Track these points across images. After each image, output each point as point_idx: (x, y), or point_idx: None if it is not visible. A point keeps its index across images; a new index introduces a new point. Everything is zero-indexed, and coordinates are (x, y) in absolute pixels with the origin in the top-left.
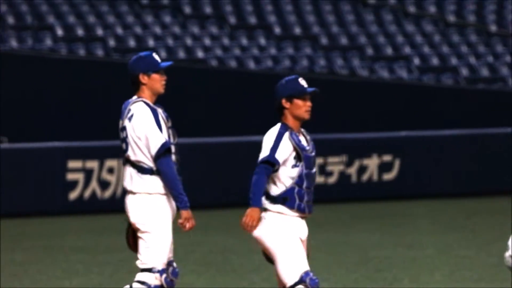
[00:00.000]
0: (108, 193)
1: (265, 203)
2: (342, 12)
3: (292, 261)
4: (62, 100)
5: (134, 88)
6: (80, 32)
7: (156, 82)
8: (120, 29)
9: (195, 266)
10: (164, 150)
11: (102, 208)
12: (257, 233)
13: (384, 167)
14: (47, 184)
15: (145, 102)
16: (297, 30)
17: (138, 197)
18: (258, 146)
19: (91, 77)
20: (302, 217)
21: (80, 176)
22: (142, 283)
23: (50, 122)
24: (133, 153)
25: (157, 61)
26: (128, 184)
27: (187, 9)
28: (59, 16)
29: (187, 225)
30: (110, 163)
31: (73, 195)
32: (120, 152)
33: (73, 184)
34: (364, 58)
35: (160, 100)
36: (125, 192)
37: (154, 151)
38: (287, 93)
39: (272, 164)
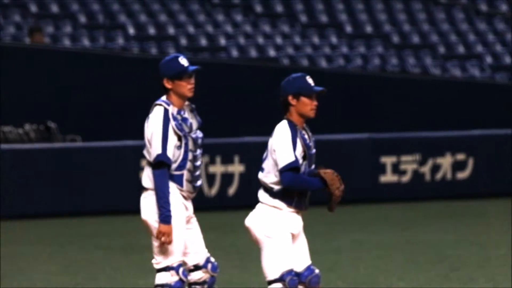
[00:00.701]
0: None
1: (263, 196)
2: (414, 10)
3: (276, 257)
4: (134, 98)
5: (162, 90)
6: (151, 31)
7: (181, 87)
8: (192, 28)
9: None
10: (156, 162)
11: None
12: (249, 223)
13: (458, 166)
14: (120, 182)
15: (164, 108)
16: (369, 29)
17: (149, 193)
18: (329, 144)
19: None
20: (297, 212)
21: None
22: (162, 286)
23: (122, 121)
24: (147, 153)
25: (181, 65)
26: (143, 180)
27: (259, 8)
28: (131, 15)
29: (162, 239)
30: None
31: None
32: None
33: None
34: (436, 57)
35: (234, 99)
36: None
37: (151, 160)
38: (294, 90)
39: (298, 170)
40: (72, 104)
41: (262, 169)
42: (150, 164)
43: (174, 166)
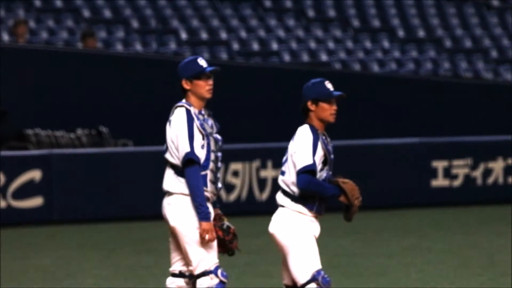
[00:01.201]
0: (233, 196)
1: (284, 200)
2: (466, 14)
3: (305, 259)
4: None
5: (182, 93)
6: (204, 35)
7: (200, 87)
8: (244, 33)
9: None
10: (186, 160)
11: (228, 211)
12: (273, 229)
13: (510, 170)
14: None
15: (186, 108)
16: (421, 33)
17: (174, 198)
18: (380, 148)
19: (215, 81)
20: (316, 217)
21: None
22: None
23: None
24: (171, 156)
25: (200, 66)
26: (165, 185)
27: (311, 13)
28: (183, 20)
29: (207, 237)
30: (235, 166)
31: None
32: (245, 155)
33: None
34: (488, 61)
35: (285, 104)
36: (164, 194)
37: (180, 159)
38: (313, 95)
39: (314, 173)
40: (124, 108)
41: (282, 173)
42: (173, 167)
43: None
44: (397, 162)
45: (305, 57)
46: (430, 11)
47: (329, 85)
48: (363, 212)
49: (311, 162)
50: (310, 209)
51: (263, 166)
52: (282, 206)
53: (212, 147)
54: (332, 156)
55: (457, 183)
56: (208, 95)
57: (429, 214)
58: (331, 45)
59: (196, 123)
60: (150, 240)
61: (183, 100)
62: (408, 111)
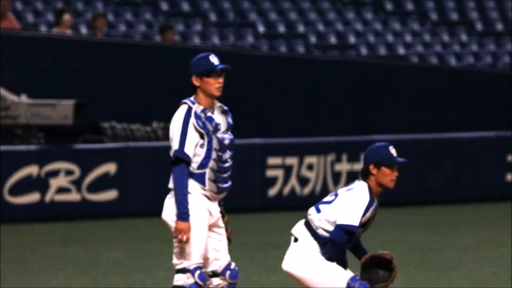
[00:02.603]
0: (307, 190)
1: (304, 234)
2: None
3: (330, 278)
4: (262, 96)
5: (192, 89)
6: (281, 29)
7: (209, 85)
8: (322, 26)
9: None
10: (174, 158)
11: (301, 204)
12: (287, 267)
13: None
14: (247, 180)
15: (188, 106)
16: (499, 27)
17: (171, 194)
18: (456, 142)
19: (292, 74)
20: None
21: (279, 173)
22: (178, 287)
23: (250, 118)
24: (171, 152)
25: (211, 63)
26: (170, 182)
27: (389, 6)
28: (261, 13)
29: (179, 237)
30: (310, 159)
31: (273, 191)
32: (320, 149)
33: (273, 180)
34: None
35: (362, 97)
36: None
37: (171, 155)
38: (376, 159)
39: (353, 235)
40: None
41: (318, 209)
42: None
43: (196, 164)
44: (473, 156)
45: (382, 51)
46: (509, 4)
47: (393, 150)
48: (438, 206)
49: (356, 224)
50: (324, 252)
51: (338, 159)
52: (296, 239)
53: (215, 145)
54: (373, 221)
55: None
56: (216, 93)
57: (504, 208)
58: (408, 38)
59: (193, 121)
60: None
61: (192, 97)
62: (485, 105)
